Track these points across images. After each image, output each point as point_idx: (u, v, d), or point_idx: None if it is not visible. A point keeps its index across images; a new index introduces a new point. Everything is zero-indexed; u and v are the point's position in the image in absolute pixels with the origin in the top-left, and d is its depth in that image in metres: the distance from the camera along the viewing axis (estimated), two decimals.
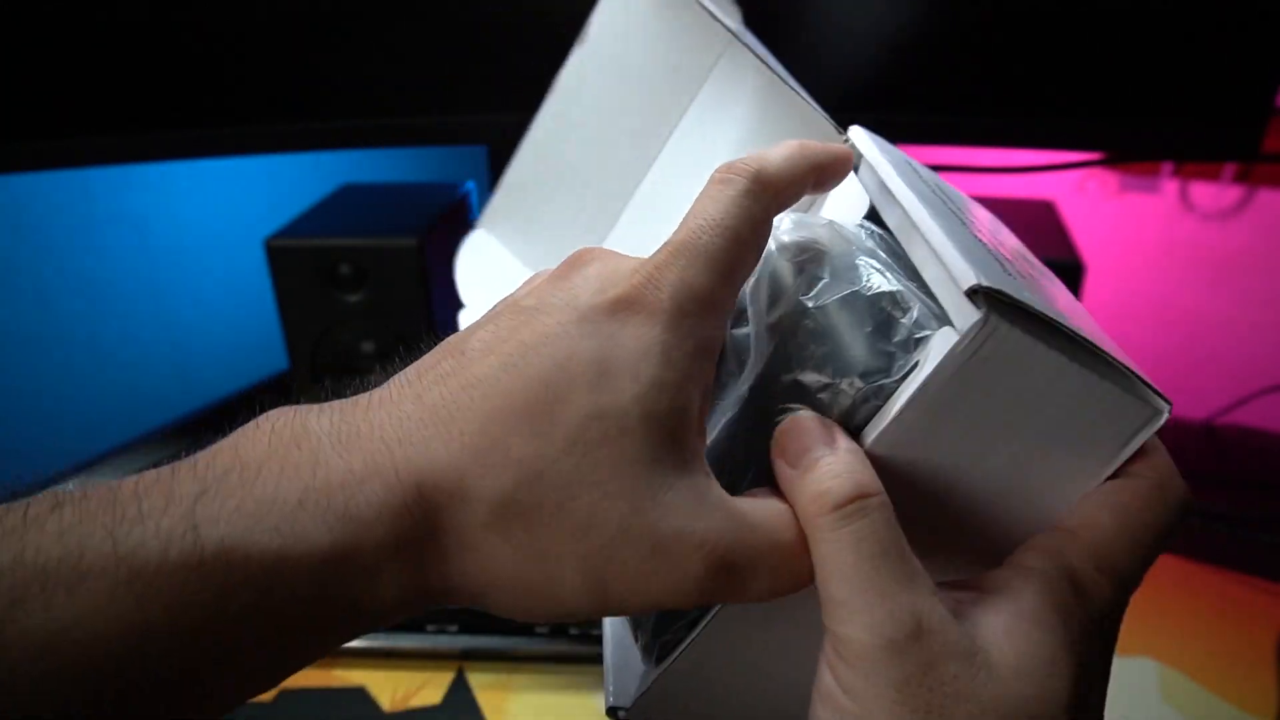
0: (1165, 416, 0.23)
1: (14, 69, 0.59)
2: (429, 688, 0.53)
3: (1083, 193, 1.07)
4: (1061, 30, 0.56)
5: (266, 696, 0.52)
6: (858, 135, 0.31)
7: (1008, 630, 0.22)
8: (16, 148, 0.61)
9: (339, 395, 0.24)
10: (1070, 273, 0.60)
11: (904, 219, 0.26)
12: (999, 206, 0.72)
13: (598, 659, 0.54)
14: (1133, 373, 0.23)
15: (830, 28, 0.56)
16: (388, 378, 0.25)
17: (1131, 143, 0.60)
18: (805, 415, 0.24)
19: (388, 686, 0.53)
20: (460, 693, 0.53)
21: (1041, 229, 0.67)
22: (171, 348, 0.88)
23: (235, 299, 0.90)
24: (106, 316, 0.83)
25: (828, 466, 0.23)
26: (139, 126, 0.62)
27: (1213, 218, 1.03)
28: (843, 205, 0.32)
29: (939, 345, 0.23)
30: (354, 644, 0.54)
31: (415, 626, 0.54)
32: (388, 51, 0.61)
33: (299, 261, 0.67)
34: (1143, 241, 1.06)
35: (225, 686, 0.20)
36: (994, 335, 0.22)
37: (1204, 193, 1.03)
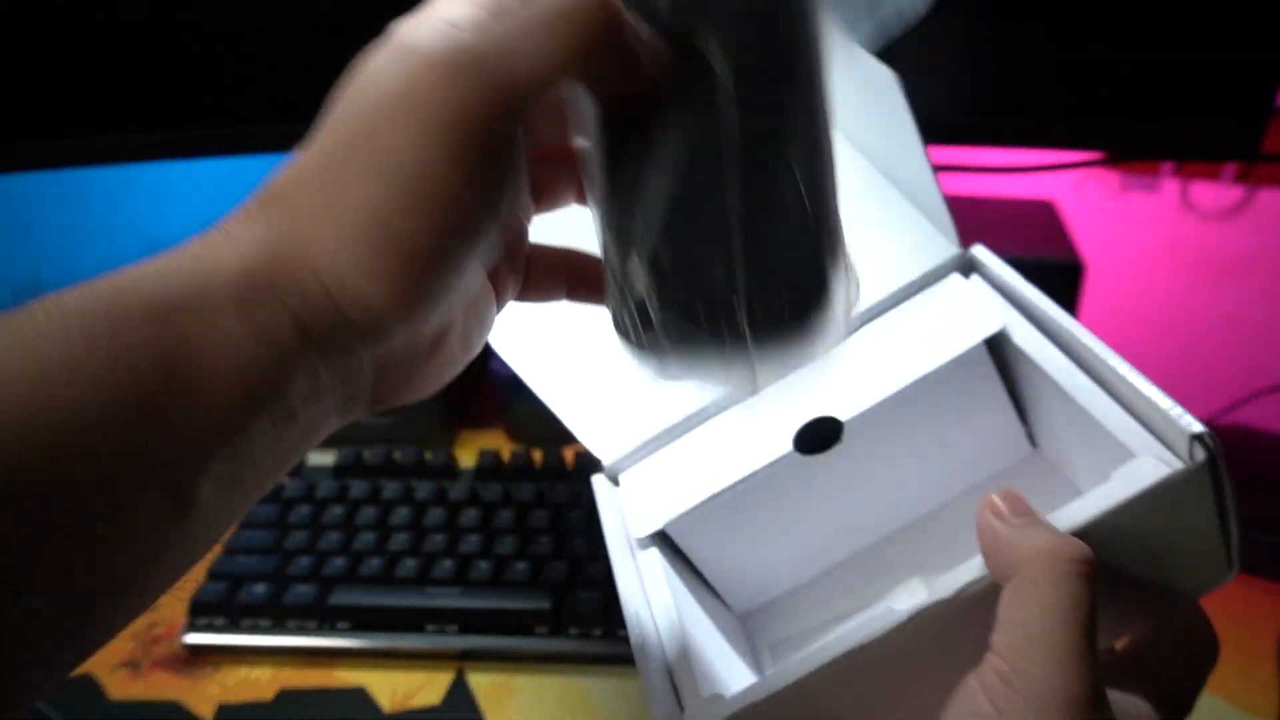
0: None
1: (14, 69, 0.59)
2: (429, 688, 0.53)
3: (1083, 193, 1.07)
4: (1061, 30, 0.56)
5: (266, 696, 0.52)
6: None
7: None
8: (16, 148, 0.62)
9: None
10: (1070, 273, 0.60)
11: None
12: (999, 206, 0.72)
13: (598, 659, 0.54)
14: None
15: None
16: None
17: (1131, 143, 0.60)
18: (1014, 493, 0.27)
19: (387, 687, 0.53)
20: (460, 693, 0.53)
21: (1041, 229, 0.67)
22: None
23: None
24: None
25: (1057, 529, 0.26)
26: (139, 126, 0.62)
27: (1213, 218, 1.03)
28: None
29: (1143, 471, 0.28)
30: (354, 644, 0.54)
31: (415, 626, 0.54)
32: None
33: None
34: (1143, 241, 1.06)
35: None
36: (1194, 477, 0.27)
37: (1204, 193, 1.03)
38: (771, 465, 0.38)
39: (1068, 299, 0.60)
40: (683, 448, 0.41)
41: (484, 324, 0.29)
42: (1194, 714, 0.27)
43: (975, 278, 0.41)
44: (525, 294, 0.31)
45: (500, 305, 0.30)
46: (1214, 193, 1.03)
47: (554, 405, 0.43)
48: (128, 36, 0.59)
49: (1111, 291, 1.03)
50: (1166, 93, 0.56)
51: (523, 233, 0.30)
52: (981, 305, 0.39)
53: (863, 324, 0.41)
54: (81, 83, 0.60)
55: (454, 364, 0.28)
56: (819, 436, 0.39)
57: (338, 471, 0.66)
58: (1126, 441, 0.31)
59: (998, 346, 0.39)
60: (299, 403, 0.23)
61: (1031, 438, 0.43)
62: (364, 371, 0.24)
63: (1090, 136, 0.60)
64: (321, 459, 0.70)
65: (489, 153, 0.23)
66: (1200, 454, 0.27)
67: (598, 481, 0.42)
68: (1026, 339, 0.37)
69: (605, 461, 0.42)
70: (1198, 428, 0.27)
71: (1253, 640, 0.54)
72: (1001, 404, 0.41)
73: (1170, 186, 1.04)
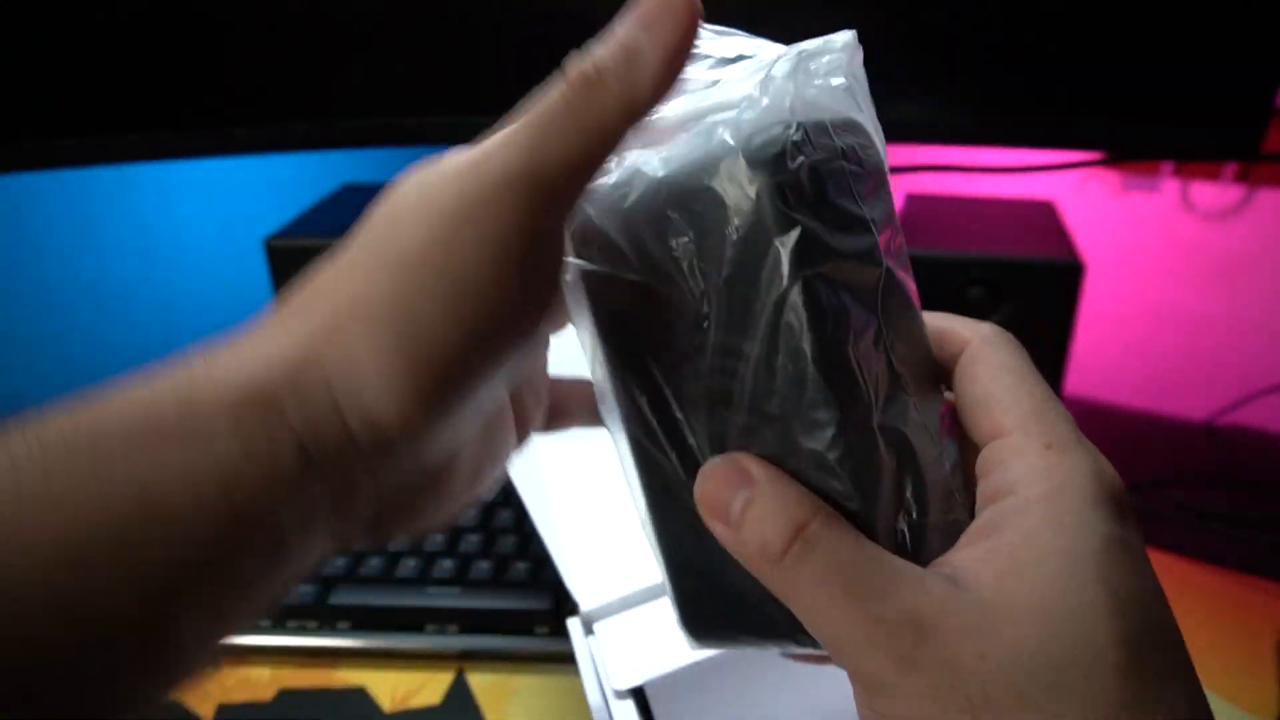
0: None
1: (14, 69, 0.59)
2: (429, 688, 0.53)
3: (1083, 193, 1.07)
4: (1061, 29, 0.56)
5: (266, 696, 0.52)
6: None
7: (1008, 569, 0.20)
8: (16, 148, 0.62)
9: None
10: (1070, 273, 0.60)
11: None
12: (999, 206, 0.72)
13: None
14: None
15: (830, 27, 0.56)
16: None
17: (1132, 142, 0.60)
18: (709, 466, 0.23)
19: (387, 687, 0.53)
20: (460, 693, 0.53)
21: (1041, 229, 0.67)
22: (171, 348, 0.88)
23: (235, 299, 0.90)
24: (106, 316, 0.83)
25: (753, 514, 0.22)
26: (138, 126, 0.62)
27: (1213, 217, 1.03)
28: None
29: None
30: (354, 644, 0.54)
31: (415, 626, 0.54)
32: (388, 51, 0.61)
33: (299, 261, 0.66)
34: (1143, 241, 1.06)
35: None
36: None
37: (1204, 192, 1.03)
38: None
39: (1068, 299, 0.60)
40: (665, 610, 0.42)
41: (497, 457, 0.27)
42: None
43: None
44: (549, 424, 0.30)
45: (523, 439, 0.28)
46: (1214, 193, 1.03)
47: (546, 537, 0.44)
48: (128, 36, 0.59)
49: (1112, 291, 1.03)
50: (1166, 93, 0.56)
51: (544, 360, 0.29)
52: None
53: None
54: (82, 83, 0.60)
55: (458, 499, 0.26)
56: None
57: None
58: None
59: None
60: (291, 531, 0.21)
61: None
62: (362, 498, 0.22)
63: (1090, 136, 0.60)
64: None
65: (538, 256, 0.21)
66: None
67: (573, 625, 0.43)
68: None
69: (582, 607, 0.43)
70: None
71: (1253, 640, 0.54)
72: None
73: (1170, 186, 1.04)
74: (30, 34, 0.58)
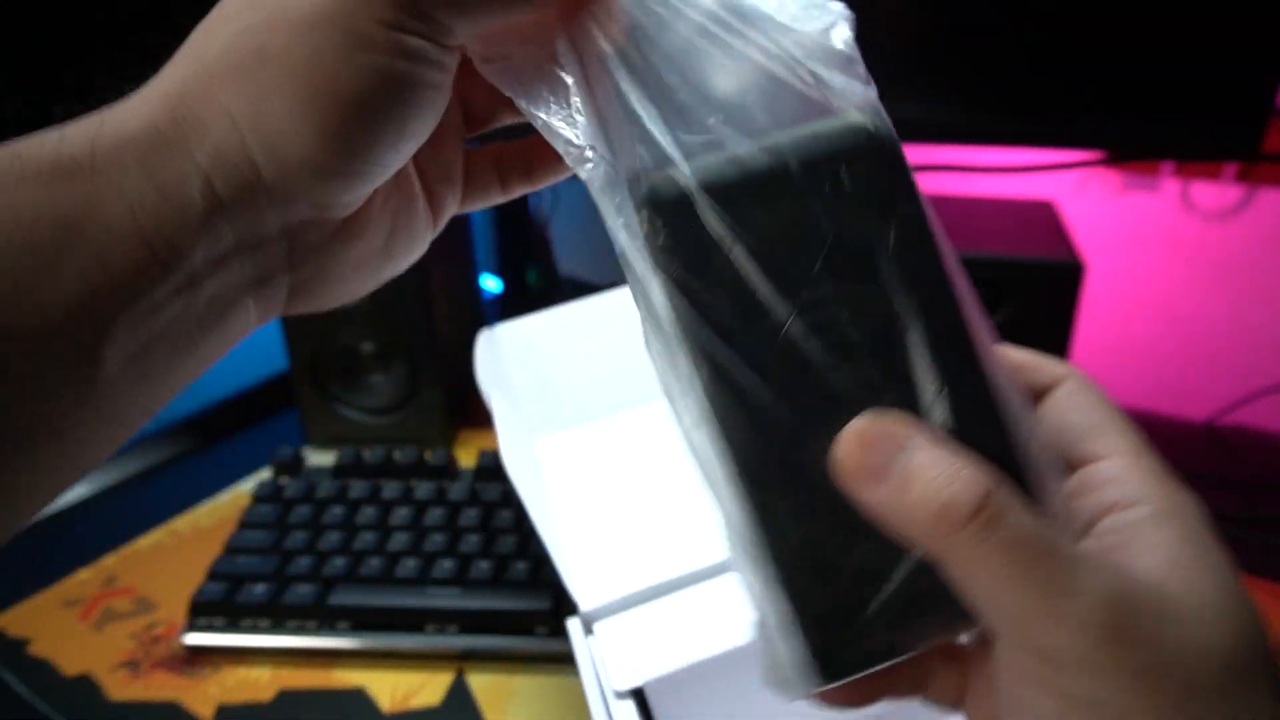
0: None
1: (14, 69, 0.59)
2: (429, 688, 0.53)
3: (1083, 193, 1.07)
4: (1062, 29, 0.56)
5: (266, 696, 0.52)
6: None
7: (1173, 564, 0.20)
8: None
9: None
10: (1070, 273, 0.60)
11: None
12: (999, 206, 0.72)
13: None
14: None
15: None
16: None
17: (1132, 142, 0.60)
18: (857, 425, 0.21)
19: (387, 687, 0.53)
20: (460, 693, 0.53)
21: (1041, 229, 0.67)
22: None
23: None
24: None
25: (930, 473, 0.20)
26: None
27: (1214, 217, 1.03)
28: None
29: None
30: (354, 644, 0.54)
31: (415, 626, 0.54)
32: None
33: None
34: (1143, 241, 1.06)
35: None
36: None
37: (1205, 192, 1.03)
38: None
39: (1068, 299, 0.60)
40: (665, 610, 0.42)
41: (412, 233, 0.28)
42: None
43: None
44: (463, 202, 0.31)
45: (438, 222, 0.30)
46: (1214, 193, 1.03)
47: (545, 537, 0.44)
48: (128, 36, 0.59)
49: (1111, 291, 1.03)
50: (1166, 92, 0.56)
51: (456, 145, 0.30)
52: None
53: None
54: (82, 82, 0.60)
55: (374, 268, 0.27)
56: None
57: (338, 471, 0.66)
58: None
59: None
60: (203, 267, 0.22)
61: None
62: (271, 238, 0.24)
63: (1090, 136, 0.60)
64: (321, 459, 0.70)
65: (423, 16, 0.22)
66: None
67: (572, 625, 0.43)
68: None
69: (582, 607, 0.43)
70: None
71: None
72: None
73: (1170, 186, 1.04)
74: (30, 34, 0.58)
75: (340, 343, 0.69)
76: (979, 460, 0.21)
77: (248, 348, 0.94)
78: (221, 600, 0.55)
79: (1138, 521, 0.21)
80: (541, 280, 0.94)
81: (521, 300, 0.92)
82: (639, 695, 0.40)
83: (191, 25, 0.24)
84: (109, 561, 0.63)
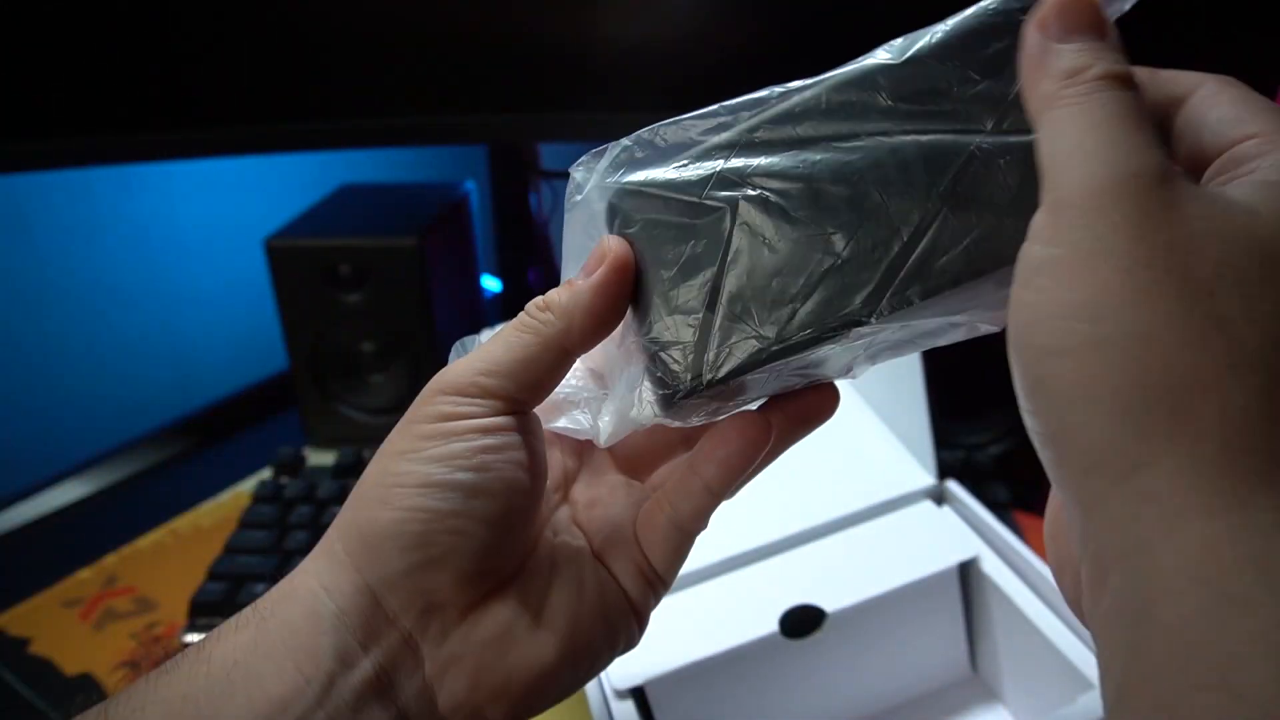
0: None
1: (14, 69, 0.59)
2: None
3: None
4: None
5: None
6: None
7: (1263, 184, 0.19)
8: (16, 148, 0.62)
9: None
10: None
11: None
12: None
13: None
14: None
15: (831, 25, 0.56)
16: None
17: None
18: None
19: None
20: None
21: None
22: (171, 348, 0.88)
23: (235, 299, 0.90)
24: (107, 316, 0.83)
25: (1094, 46, 0.22)
26: (139, 127, 0.62)
27: None
28: None
29: None
30: None
31: None
32: (388, 51, 0.61)
33: (299, 261, 0.67)
34: None
35: None
36: None
37: None
38: (755, 642, 0.41)
39: None
40: (665, 610, 0.43)
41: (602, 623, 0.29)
42: None
43: (946, 508, 0.47)
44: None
45: (642, 613, 0.30)
46: None
47: None
48: (127, 36, 0.59)
49: None
50: None
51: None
52: (955, 533, 0.45)
53: (842, 530, 0.46)
54: (82, 83, 0.60)
55: (553, 671, 0.29)
56: (802, 622, 0.42)
57: (338, 471, 0.66)
58: (1088, 673, 0.37)
59: (964, 574, 0.45)
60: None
61: (973, 662, 0.46)
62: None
63: None
64: (321, 459, 0.70)
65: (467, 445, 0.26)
66: None
67: None
68: (994, 569, 0.43)
69: None
70: None
71: None
72: (957, 626, 0.46)
73: None
74: (30, 34, 0.58)
75: (340, 343, 0.69)
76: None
77: (247, 348, 0.94)
78: (221, 600, 0.55)
79: (1265, 167, 0.20)
80: (543, 281, 0.94)
81: (521, 300, 0.92)
82: (639, 695, 0.40)
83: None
84: (109, 561, 0.63)
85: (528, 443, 0.27)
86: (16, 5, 0.57)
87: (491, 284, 0.98)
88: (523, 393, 0.27)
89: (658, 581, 0.30)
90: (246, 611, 0.26)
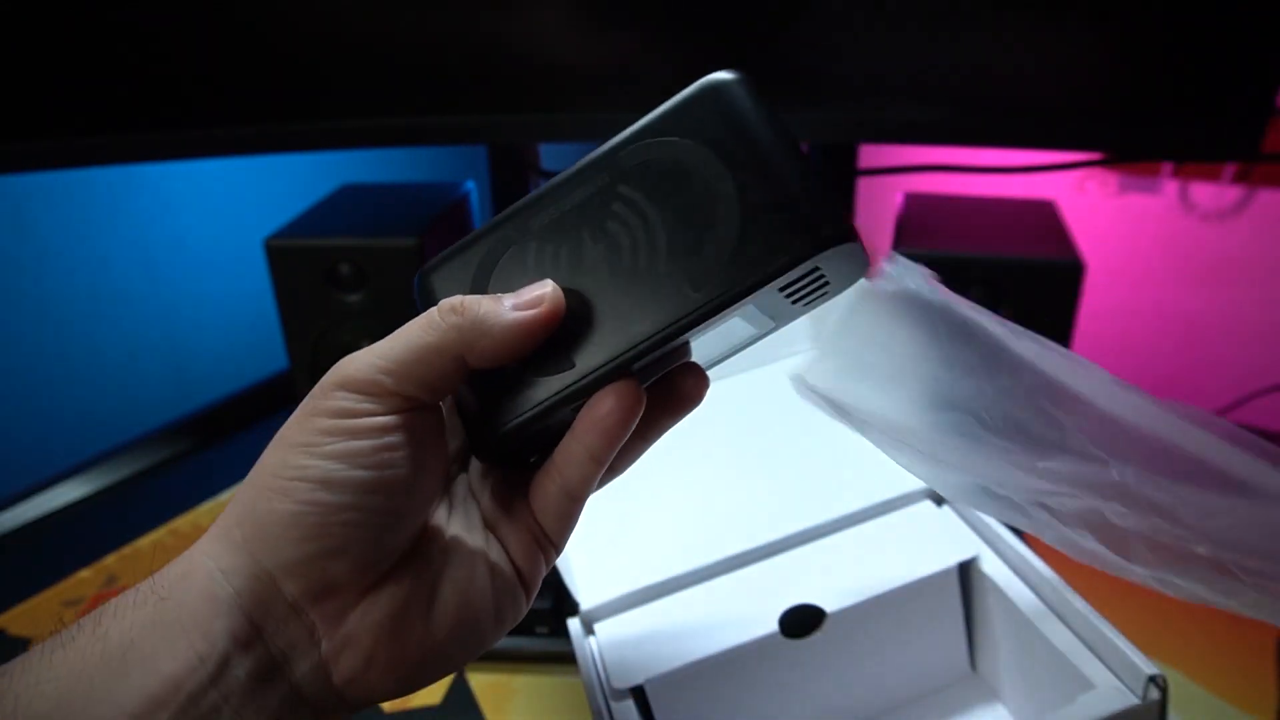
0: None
1: (14, 69, 0.59)
2: (429, 688, 0.53)
3: (1083, 193, 1.07)
4: (1061, 29, 0.56)
5: None
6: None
7: None
8: (16, 148, 0.62)
9: None
10: (1070, 273, 0.60)
11: None
12: (999, 206, 0.72)
13: None
14: None
15: (831, 25, 0.56)
16: None
17: (1131, 143, 0.60)
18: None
19: None
20: (460, 693, 0.53)
21: (1041, 229, 0.67)
22: (171, 348, 0.88)
23: (235, 299, 0.90)
24: (107, 317, 0.83)
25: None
26: (138, 127, 0.62)
27: (1213, 218, 1.03)
28: None
29: None
30: None
31: None
32: (388, 51, 0.61)
33: (299, 261, 0.66)
34: (1143, 241, 1.06)
35: None
36: None
37: (1204, 193, 1.03)
38: (755, 642, 0.41)
39: (1068, 299, 0.60)
40: (665, 610, 0.43)
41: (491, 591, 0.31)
42: (1195, 714, 0.28)
43: (946, 508, 0.47)
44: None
45: (528, 594, 0.31)
46: (1214, 193, 1.03)
47: None
48: (127, 36, 0.59)
49: (1111, 291, 1.03)
50: (1166, 93, 0.56)
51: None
52: (955, 532, 0.45)
53: (841, 530, 0.46)
54: (82, 82, 0.60)
55: (450, 638, 0.30)
56: (802, 622, 0.42)
57: None
58: (1088, 673, 0.37)
59: (964, 574, 0.45)
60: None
61: (973, 662, 0.46)
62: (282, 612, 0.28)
63: (1090, 136, 0.60)
64: None
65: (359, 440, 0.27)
66: (1155, 693, 0.33)
67: (573, 625, 0.43)
68: (994, 569, 0.43)
69: (582, 607, 0.43)
70: (1153, 669, 0.33)
71: (1253, 640, 0.54)
72: (957, 625, 0.46)
73: (1170, 186, 1.04)
74: (30, 34, 0.58)
75: (340, 343, 0.69)
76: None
77: (247, 348, 0.94)
78: None
79: None
80: None
81: None
82: (639, 695, 0.40)
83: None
84: (109, 561, 0.63)
85: (424, 439, 0.28)
86: (16, 5, 0.57)
87: None
88: (421, 392, 0.28)
89: (549, 546, 0.31)
90: (144, 587, 0.28)
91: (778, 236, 0.26)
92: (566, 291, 0.28)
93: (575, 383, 0.28)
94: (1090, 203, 1.07)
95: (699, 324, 0.27)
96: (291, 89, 0.62)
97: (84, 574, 0.62)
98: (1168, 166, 1.03)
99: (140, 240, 0.84)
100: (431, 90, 0.62)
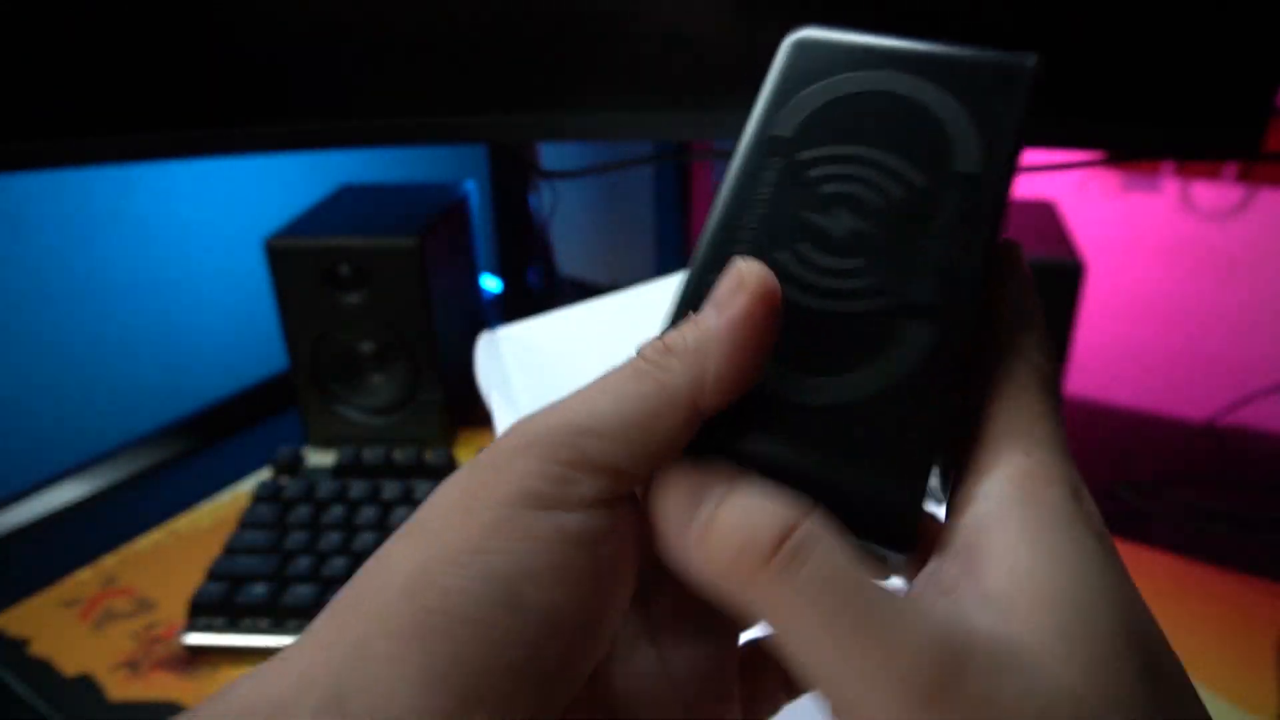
0: None
1: (13, 69, 0.59)
2: None
3: (1083, 193, 1.07)
4: (1061, 29, 0.56)
5: None
6: None
7: (1020, 578, 0.17)
8: (16, 148, 0.61)
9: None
10: (1071, 273, 0.60)
11: None
12: None
13: None
14: None
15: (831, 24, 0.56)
16: None
17: (1132, 142, 0.60)
18: (672, 473, 0.20)
19: None
20: None
21: (1041, 229, 0.67)
22: (171, 348, 0.88)
23: (235, 299, 0.90)
24: (107, 317, 0.83)
25: (735, 509, 0.18)
26: (138, 126, 0.62)
27: (1214, 217, 1.03)
28: None
29: None
30: None
31: None
32: (388, 51, 0.61)
33: (299, 261, 0.67)
34: (1144, 241, 1.06)
35: None
36: None
37: (1205, 192, 1.03)
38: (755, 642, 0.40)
39: (1068, 299, 0.60)
40: None
41: None
42: None
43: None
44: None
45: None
46: (1215, 192, 1.03)
47: None
48: (127, 36, 0.59)
49: (1111, 291, 1.03)
50: (1167, 92, 0.56)
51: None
52: None
53: None
54: (82, 82, 0.60)
55: None
56: None
57: (338, 471, 0.66)
58: None
59: None
60: None
61: None
62: None
63: (1090, 136, 0.60)
64: (321, 459, 0.70)
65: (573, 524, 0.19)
66: None
67: None
68: None
69: None
70: None
71: (1253, 640, 0.54)
72: None
73: (1171, 186, 1.04)
74: (29, 33, 0.58)
75: (340, 343, 0.69)
76: (790, 493, 0.18)
77: (247, 348, 0.94)
78: (221, 600, 0.55)
79: (986, 521, 0.19)
80: (542, 281, 0.94)
81: (521, 300, 0.92)
82: None
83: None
84: (109, 561, 0.63)
85: (627, 540, 0.20)
86: (15, 4, 0.57)
87: (491, 284, 0.98)
88: (638, 465, 0.19)
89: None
90: None
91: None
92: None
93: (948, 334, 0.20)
94: (1090, 203, 1.07)
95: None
96: (291, 88, 0.62)
97: (83, 574, 0.62)
98: (1169, 166, 1.03)
99: (140, 240, 0.84)
100: (431, 90, 0.62)
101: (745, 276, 0.20)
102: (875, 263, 0.21)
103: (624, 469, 0.19)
